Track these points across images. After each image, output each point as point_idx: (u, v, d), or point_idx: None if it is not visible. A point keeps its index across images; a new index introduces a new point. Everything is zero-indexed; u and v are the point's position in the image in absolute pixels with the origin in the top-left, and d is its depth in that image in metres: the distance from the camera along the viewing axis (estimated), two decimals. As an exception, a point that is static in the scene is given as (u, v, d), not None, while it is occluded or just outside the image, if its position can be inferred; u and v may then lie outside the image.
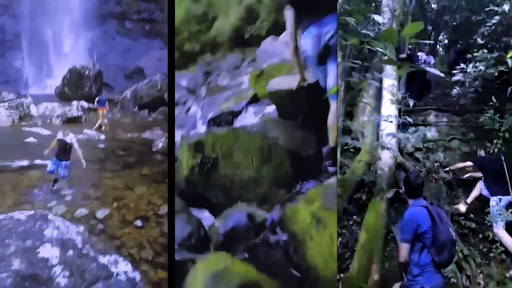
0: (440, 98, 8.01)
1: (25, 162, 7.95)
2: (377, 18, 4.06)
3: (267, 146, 4.93)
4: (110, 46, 24.63)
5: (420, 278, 3.36)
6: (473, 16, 8.40)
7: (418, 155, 6.77)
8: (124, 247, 5.06)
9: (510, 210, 5.39)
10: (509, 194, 5.48)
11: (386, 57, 4.16)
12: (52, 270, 3.71)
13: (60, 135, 7.11)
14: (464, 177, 6.27)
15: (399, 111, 6.77)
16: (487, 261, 5.30)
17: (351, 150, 7.00)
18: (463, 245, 5.40)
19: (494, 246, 5.38)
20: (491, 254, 5.34)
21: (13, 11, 24.03)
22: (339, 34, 4.37)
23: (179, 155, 5.33)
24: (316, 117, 4.97)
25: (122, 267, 4.12)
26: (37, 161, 8.03)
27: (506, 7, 6.55)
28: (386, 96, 6.83)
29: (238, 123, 6.46)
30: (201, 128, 6.90)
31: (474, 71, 6.47)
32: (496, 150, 6.17)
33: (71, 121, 13.19)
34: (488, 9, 7.21)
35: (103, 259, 4.10)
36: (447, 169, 6.37)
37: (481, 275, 5.09)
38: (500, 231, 5.28)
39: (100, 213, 5.99)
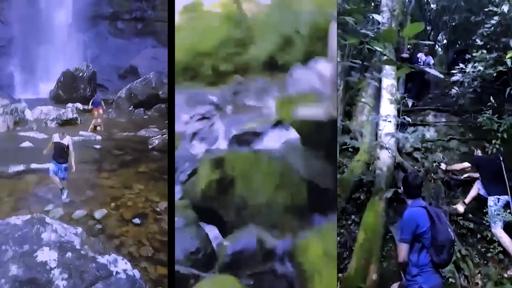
0: (439, 98, 8.01)
1: (21, 167, 7.87)
2: (376, 17, 4.05)
3: (286, 172, 4.92)
4: (103, 47, 24.63)
5: (419, 278, 3.36)
6: (472, 16, 8.40)
7: (416, 155, 6.78)
8: (123, 246, 5.07)
9: (508, 210, 5.39)
10: (507, 194, 5.47)
11: (385, 57, 4.15)
12: (51, 273, 3.71)
13: (56, 138, 7.03)
14: (462, 177, 6.27)
15: (398, 111, 6.77)
16: (485, 261, 5.29)
17: (349, 149, 6.99)
18: (461, 245, 5.41)
19: (492, 246, 5.38)
20: (489, 254, 5.34)
21: (5, 18, 23.83)
22: (338, 33, 4.35)
23: (199, 168, 5.32)
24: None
25: (122, 266, 4.11)
26: (34, 165, 7.97)
27: (505, 7, 6.56)
28: (385, 96, 6.83)
29: (259, 145, 6.48)
30: (223, 144, 6.95)
31: (473, 71, 6.47)
32: (494, 150, 6.17)
33: (66, 124, 13.15)
34: (487, 9, 7.22)
35: (102, 259, 4.09)
36: (443, 167, 6.36)
37: (479, 275, 5.08)
38: (498, 231, 5.27)
39: (98, 214, 5.97)
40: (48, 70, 23.18)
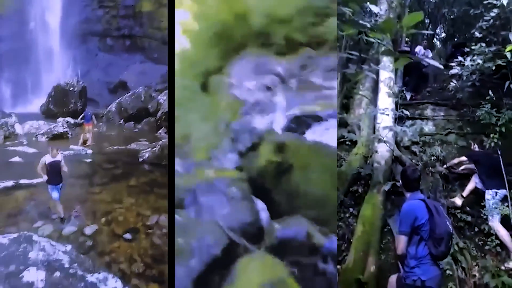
0: (437, 92, 7.99)
1: (10, 183, 7.78)
2: (374, 8, 4.00)
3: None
4: (93, 63, 25.51)
5: (417, 270, 3.37)
6: (471, 9, 8.33)
7: (414, 148, 6.76)
8: (115, 262, 4.97)
9: (506, 204, 5.40)
10: (505, 188, 5.49)
11: (384, 48, 4.10)
12: None
13: (49, 158, 6.51)
14: (460, 169, 6.27)
15: (396, 104, 6.74)
16: (483, 254, 5.31)
17: (347, 143, 6.96)
18: (459, 238, 5.42)
19: (489, 239, 5.39)
20: (487, 247, 5.36)
21: None
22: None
23: (260, 146, 5.27)
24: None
25: (112, 284, 4.02)
26: (23, 181, 7.90)
27: (504, 0, 6.50)
28: (383, 89, 6.79)
29: (317, 131, 6.33)
30: (281, 121, 6.67)
31: (472, 65, 6.44)
32: (492, 144, 6.16)
33: (57, 138, 13.19)
34: (486, 2, 7.15)
35: (92, 278, 4.00)
36: (445, 166, 6.35)
37: (476, 267, 5.10)
38: (496, 224, 5.29)
39: (89, 230, 5.87)
40: (39, 85, 23.44)
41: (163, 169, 9.50)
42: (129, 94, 18.87)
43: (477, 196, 5.83)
